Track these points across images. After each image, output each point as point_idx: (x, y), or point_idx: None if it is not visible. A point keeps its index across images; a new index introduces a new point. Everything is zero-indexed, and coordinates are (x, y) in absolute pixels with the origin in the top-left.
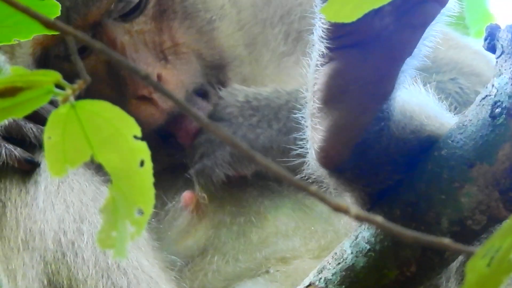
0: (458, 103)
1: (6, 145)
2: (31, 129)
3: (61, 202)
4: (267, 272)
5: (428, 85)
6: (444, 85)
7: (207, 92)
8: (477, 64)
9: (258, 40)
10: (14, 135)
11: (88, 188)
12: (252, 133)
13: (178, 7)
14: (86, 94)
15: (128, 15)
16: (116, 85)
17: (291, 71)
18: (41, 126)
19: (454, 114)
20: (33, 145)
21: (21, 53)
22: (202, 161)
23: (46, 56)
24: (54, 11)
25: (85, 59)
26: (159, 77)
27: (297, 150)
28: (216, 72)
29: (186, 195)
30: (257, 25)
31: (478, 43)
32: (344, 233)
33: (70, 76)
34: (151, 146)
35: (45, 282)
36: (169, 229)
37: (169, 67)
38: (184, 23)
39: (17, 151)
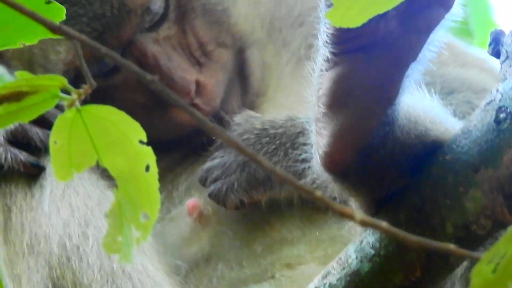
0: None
1: (12, 149)
2: (37, 133)
3: (66, 206)
4: (273, 277)
5: (432, 90)
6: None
7: (222, 119)
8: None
9: (278, 37)
10: (19, 139)
11: (94, 192)
12: (270, 160)
13: (196, 5)
14: (121, 103)
15: (152, 24)
16: (153, 94)
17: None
18: (47, 131)
19: (459, 120)
20: (39, 149)
21: (51, 69)
22: (216, 185)
23: (80, 74)
24: (60, 14)
25: (117, 72)
26: (197, 83)
27: (302, 154)
28: (239, 60)
29: (189, 203)
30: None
31: (483, 53)
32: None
33: (104, 91)
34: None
35: (50, 287)
36: (174, 236)
37: (203, 71)
38: (204, 20)
39: (23, 155)
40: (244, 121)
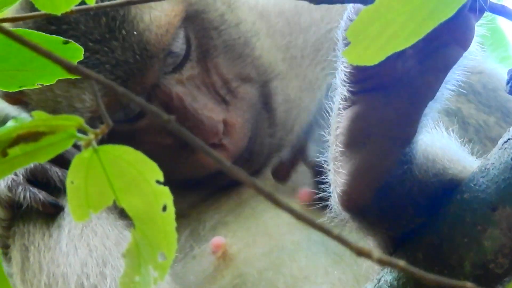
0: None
1: (31, 188)
2: (56, 173)
3: (84, 246)
4: None
5: (450, 128)
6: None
7: (251, 157)
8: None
9: (299, 71)
10: (39, 179)
11: (111, 232)
12: None
13: (217, 43)
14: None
15: (175, 65)
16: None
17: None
18: (66, 170)
19: (477, 158)
20: (58, 189)
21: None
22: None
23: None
24: (78, 54)
25: (145, 115)
26: (224, 122)
27: (320, 193)
28: (263, 93)
29: (214, 241)
30: (293, 48)
31: None
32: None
33: (132, 135)
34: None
35: None
36: (195, 274)
37: (230, 109)
38: (226, 56)
39: (42, 194)
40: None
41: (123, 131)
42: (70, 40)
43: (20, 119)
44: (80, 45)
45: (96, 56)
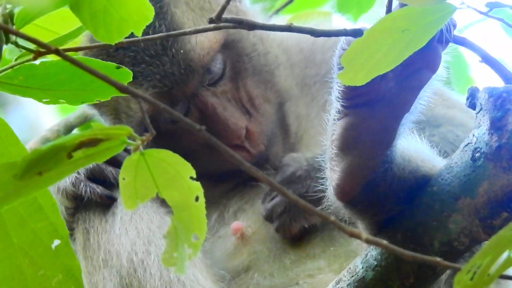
0: (456, 148)
1: (90, 184)
2: (111, 172)
3: (133, 229)
4: (297, 284)
5: (422, 135)
6: (444, 135)
7: (268, 160)
8: (465, 120)
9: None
10: (97, 176)
11: (155, 218)
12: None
13: (248, 66)
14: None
15: (213, 81)
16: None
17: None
18: (118, 170)
19: (443, 158)
20: (112, 184)
21: (132, 116)
22: (281, 219)
23: (154, 120)
24: (127, 77)
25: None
26: (246, 129)
27: (319, 186)
28: (279, 112)
29: (234, 225)
30: (306, 78)
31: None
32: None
33: (175, 133)
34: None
35: None
36: (220, 251)
37: (252, 120)
38: (254, 79)
39: (99, 189)
40: (292, 161)
41: (169, 129)
42: (122, 66)
43: (95, 120)
44: (139, 58)
45: (150, 67)
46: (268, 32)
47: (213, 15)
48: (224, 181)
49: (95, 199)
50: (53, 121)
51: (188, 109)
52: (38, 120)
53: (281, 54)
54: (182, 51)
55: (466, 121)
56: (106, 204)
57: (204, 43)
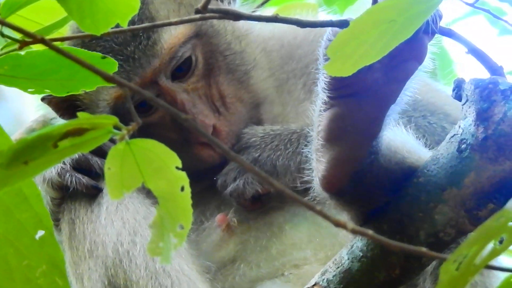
0: (428, 134)
1: (76, 174)
2: (97, 162)
3: (119, 219)
4: (283, 275)
5: (408, 126)
6: (416, 120)
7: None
8: (446, 106)
9: (284, 88)
10: (83, 166)
11: (141, 208)
12: (273, 154)
13: (222, 64)
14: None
15: (183, 77)
16: (181, 132)
17: (308, 114)
18: (104, 159)
19: (429, 149)
20: (98, 174)
21: (102, 102)
22: (235, 183)
23: (122, 106)
24: (113, 67)
25: (154, 112)
26: (214, 127)
27: (305, 177)
28: (254, 112)
29: (219, 217)
30: (283, 74)
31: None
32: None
33: (142, 128)
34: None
35: (106, 283)
36: (206, 243)
37: (221, 119)
38: (227, 77)
39: (85, 179)
40: (249, 130)
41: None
42: (107, 55)
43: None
44: (108, 47)
45: (117, 56)
46: (248, 32)
47: (199, 5)
48: (197, 180)
49: (81, 189)
50: (38, 114)
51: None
52: (23, 114)
53: (261, 56)
54: (149, 38)
55: (449, 109)
56: (92, 194)
57: (171, 31)
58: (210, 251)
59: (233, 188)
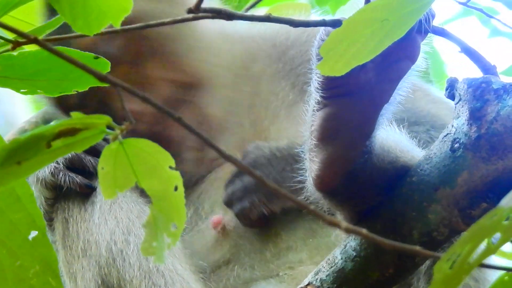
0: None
1: (70, 173)
2: (90, 161)
3: (112, 218)
4: (277, 275)
5: (401, 126)
6: (419, 135)
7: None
8: (447, 117)
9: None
10: (76, 165)
11: (134, 207)
12: (280, 177)
13: (147, 49)
14: None
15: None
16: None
17: (299, 115)
18: (97, 158)
19: (422, 149)
20: (91, 173)
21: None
22: (241, 203)
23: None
24: (105, 67)
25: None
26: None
27: (298, 177)
28: (194, 96)
29: (214, 219)
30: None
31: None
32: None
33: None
34: None
35: (99, 282)
36: (200, 244)
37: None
38: (155, 60)
39: (78, 178)
40: (255, 149)
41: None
42: (99, 56)
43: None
44: None
45: None
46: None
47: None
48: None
49: (74, 188)
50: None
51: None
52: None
53: (201, 38)
54: None
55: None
56: (85, 193)
57: None
58: (205, 253)
59: (240, 208)
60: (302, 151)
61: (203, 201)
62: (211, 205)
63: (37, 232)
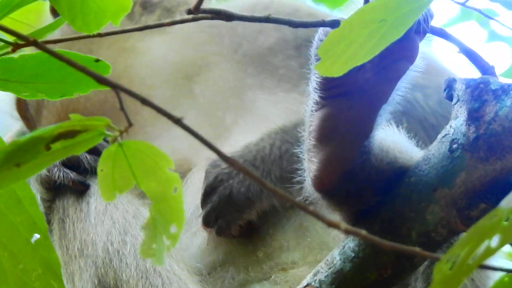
0: None
1: (64, 169)
2: (86, 158)
3: (108, 219)
4: (270, 277)
5: (400, 126)
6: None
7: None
8: None
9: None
10: (72, 162)
11: (130, 208)
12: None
13: None
14: None
15: None
16: None
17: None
18: (94, 156)
19: (421, 149)
20: (86, 170)
21: None
22: (218, 224)
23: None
24: (106, 70)
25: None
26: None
27: (297, 178)
28: None
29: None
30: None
31: None
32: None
33: None
34: None
35: (96, 282)
36: (195, 246)
37: None
38: None
39: (72, 174)
40: (212, 167)
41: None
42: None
43: None
44: None
45: None
46: None
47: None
48: None
49: (68, 183)
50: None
51: None
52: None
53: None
54: None
55: None
56: (79, 190)
57: None
58: (200, 255)
59: (218, 229)
60: (300, 152)
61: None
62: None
63: (38, 235)
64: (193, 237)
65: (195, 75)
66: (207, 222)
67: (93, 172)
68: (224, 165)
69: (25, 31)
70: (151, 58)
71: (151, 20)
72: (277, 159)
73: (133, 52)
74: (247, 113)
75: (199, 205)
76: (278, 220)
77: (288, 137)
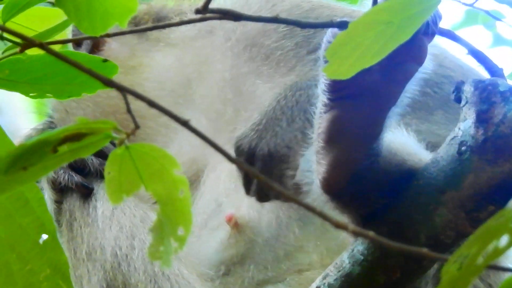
0: None
1: (70, 171)
2: (92, 160)
3: (116, 224)
4: (285, 279)
5: (408, 128)
6: None
7: None
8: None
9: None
10: (78, 164)
11: (137, 212)
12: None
13: None
14: None
15: None
16: None
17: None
18: (100, 159)
19: (430, 152)
20: (91, 174)
21: None
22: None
23: None
24: (114, 71)
25: None
26: None
27: (306, 179)
28: None
29: (228, 215)
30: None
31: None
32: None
33: None
34: None
35: (105, 286)
36: (215, 242)
37: None
38: None
39: (77, 177)
40: (245, 136)
41: None
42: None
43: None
44: None
45: None
46: None
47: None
48: None
49: (71, 186)
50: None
51: None
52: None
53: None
54: None
55: None
56: (83, 193)
57: None
58: (219, 249)
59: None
60: (308, 153)
61: (220, 198)
62: (226, 202)
63: (47, 236)
64: (214, 232)
65: (196, 76)
66: (260, 192)
67: (98, 175)
68: (250, 133)
69: (30, 35)
70: (156, 72)
71: (162, 34)
72: (297, 105)
73: (139, 69)
74: (248, 103)
75: (221, 201)
76: (299, 223)
77: (298, 85)
